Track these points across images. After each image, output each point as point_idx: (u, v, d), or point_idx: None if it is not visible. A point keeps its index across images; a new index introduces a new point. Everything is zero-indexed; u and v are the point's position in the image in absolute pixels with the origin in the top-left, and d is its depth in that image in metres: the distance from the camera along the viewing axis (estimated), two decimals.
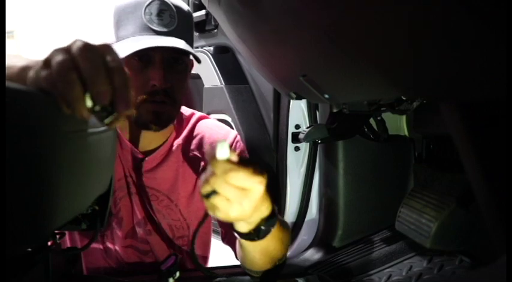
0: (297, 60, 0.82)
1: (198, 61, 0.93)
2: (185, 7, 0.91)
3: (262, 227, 0.71)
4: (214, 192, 0.61)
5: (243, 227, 0.72)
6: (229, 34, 0.94)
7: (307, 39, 0.69)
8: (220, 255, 1.10)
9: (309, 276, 0.94)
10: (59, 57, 0.42)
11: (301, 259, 1.30)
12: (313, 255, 1.30)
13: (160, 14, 0.86)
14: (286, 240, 0.85)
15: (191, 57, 0.92)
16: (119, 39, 0.87)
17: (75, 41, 0.45)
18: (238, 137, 1.06)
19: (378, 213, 1.32)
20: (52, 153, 0.41)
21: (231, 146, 1.02)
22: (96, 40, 0.49)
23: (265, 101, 1.42)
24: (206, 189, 0.61)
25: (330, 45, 0.63)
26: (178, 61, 0.89)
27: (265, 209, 0.70)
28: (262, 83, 1.42)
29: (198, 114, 1.08)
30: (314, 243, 1.35)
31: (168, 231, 1.02)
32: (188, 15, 0.92)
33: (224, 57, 0.94)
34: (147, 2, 0.86)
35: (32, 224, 0.40)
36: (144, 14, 0.85)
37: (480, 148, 0.56)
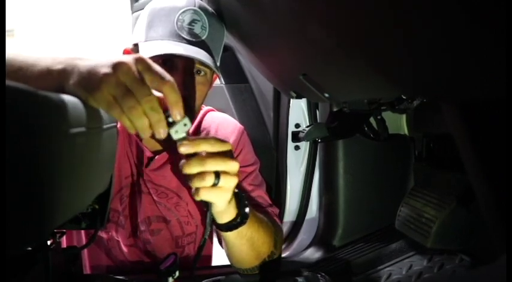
0: (297, 59, 0.82)
1: (219, 76, 0.93)
2: (219, 22, 0.91)
3: (242, 204, 0.78)
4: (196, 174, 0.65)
5: (227, 215, 0.77)
6: (229, 33, 0.94)
7: (307, 38, 0.69)
8: (222, 255, 1.10)
9: (308, 275, 0.94)
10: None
11: (301, 258, 1.30)
12: (313, 254, 1.30)
13: (192, 23, 0.86)
14: (270, 232, 0.89)
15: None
16: (147, 39, 0.87)
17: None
18: (245, 132, 1.07)
19: (377, 212, 1.32)
20: (52, 153, 0.41)
21: (237, 139, 1.03)
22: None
23: (265, 100, 1.42)
24: (210, 178, 0.65)
25: (330, 44, 0.63)
26: (200, 72, 0.89)
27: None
28: (262, 82, 1.42)
29: (205, 108, 1.08)
30: (314, 242, 1.35)
31: (177, 228, 1.02)
32: (220, 29, 0.92)
33: (224, 56, 0.94)
34: (182, 10, 0.86)
35: (32, 223, 0.40)
36: (177, 20, 0.86)
37: (480, 147, 0.56)
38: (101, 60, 0.53)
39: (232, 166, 0.66)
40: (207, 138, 0.67)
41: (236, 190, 0.77)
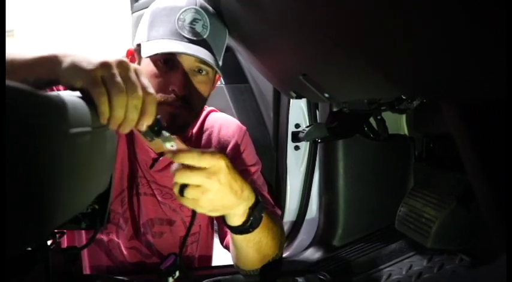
0: (297, 59, 0.82)
1: (220, 75, 0.93)
2: (221, 22, 0.91)
3: (254, 214, 0.75)
4: (185, 187, 0.64)
5: (236, 219, 0.75)
6: (229, 34, 0.94)
7: (307, 38, 0.69)
8: (222, 254, 1.10)
9: (309, 275, 0.94)
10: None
11: (301, 258, 1.30)
12: (313, 254, 1.30)
13: (193, 22, 0.86)
14: (278, 236, 0.88)
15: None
16: (149, 38, 0.87)
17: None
18: (247, 132, 1.07)
19: (377, 212, 1.32)
20: (52, 153, 0.41)
21: (240, 140, 1.02)
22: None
23: (265, 100, 1.43)
24: (176, 187, 0.65)
25: (330, 44, 0.63)
26: (202, 71, 0.89)
27: (249, 195, 0.73)
28: (262, 82, 1.42)
29: (208, 108, 1.08)
30: (314, 242, 1.35)
31: (182, 228, 1.02)
32: (222, 29, 0.92)
33: (224, 57, 0.94)
34: (183, 9, 0.86)
35: (32, 223, 0.40)
36: (178, 19, 0.86)
37: (480, 147, 0.56)
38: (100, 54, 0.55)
39: (197, 181, 0.64)
40: (184, 151, 0.64)
41: (259, 198, 0.76)
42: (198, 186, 0.64)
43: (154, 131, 0.60)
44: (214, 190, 0.65)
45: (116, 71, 0.53)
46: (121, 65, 0.54)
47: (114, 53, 0.57)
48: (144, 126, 0.57)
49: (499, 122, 0.53)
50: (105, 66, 0.52)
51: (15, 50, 0.56)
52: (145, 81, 0.56)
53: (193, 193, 0.65)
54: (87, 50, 0.57)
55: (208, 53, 0.86)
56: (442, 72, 0.52)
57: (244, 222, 0.75)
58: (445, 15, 0.41)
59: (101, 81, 0.52)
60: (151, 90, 0.56)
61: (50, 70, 0.54)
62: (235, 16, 0.88)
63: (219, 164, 0.65)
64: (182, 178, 0.64)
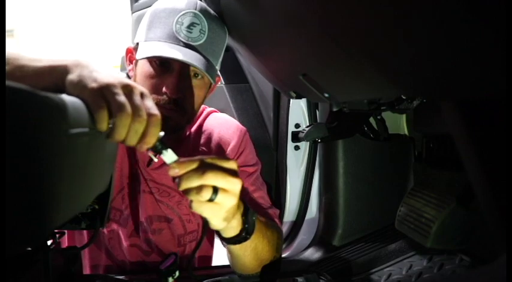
0: (297, 59, 0.82)
1: (213, 81, 0.93)
2: (220, 26, 0.91)
3: (248, 219, 0.75)
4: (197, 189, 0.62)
5: (233, 230, 0.75)
6: (229, 34, 0.94)
7: (307, 38, 0.69)
8: (222, 254, 1.10)
9: (308, 275, 0.94)
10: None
11: (301, 258, 1.30)
12: (313, 254, 1.30)
13: (190, 26, 0.86)
14: (274, 239, 0.88)
15: (217, 72, 0.91)
16: (147, 39, 0.88)
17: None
18: (247, 133, 1.07)
19: (377, 212, 1.32)
20: (52, 153, 0.41)
21: (239, 140, 1.02)
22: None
23: (265, 100, 1.43)
24: (193, 194, 0.62)
25: (330, 44, 0.63)
26: (198, 75, 0.89)
27: (240, 202, 0.72)
28: (262, 82, 1.42)
29: (208, 109, 1.08)
30: (314, 242, 1.35)
31: (180, 226, 1.02)
32: (222, 33, 0.91)
33: (224, 56, 0.94)
34: (182, 12, 0.86)
35: (32, 223, 0.40)
36: (176, 23, 0.86)
37: (480, 147, 0.56)
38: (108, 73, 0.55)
39: (233, 184, 0.63)
40: (210, 157, 0.63)
41: (248, 207, 0.76)
42: (226, 190, 0.63)
43: (158, 149, 0.59)
44: (238, 192, 0.65)
45: (119, 91, 0.52)
46: (126, 87, 0.53)
47: (122, 74, 0.57)
48: (143, 148, 0.56)
49: (499, 121, 0.53)
50: (109, 86, 0.52)
51: (27, 57, 0.56)
52: (150, 103, 0.55)
53: (227, 197, 0.63)
54: (100, 63, 0.56)
55: (203, 59, 0.85)
56: (442, 72, 0.52)
57: (241, 231, 0.75)
58: (444, 14, 0.41)
59: (103, 100, 0.51)
60: (155, 111, 0.55)
61: (58, 79, 0.54)
62: (235, 16, 0.88)
63: (234, 165, 0.65)
64: (216, 179, 0.62)
